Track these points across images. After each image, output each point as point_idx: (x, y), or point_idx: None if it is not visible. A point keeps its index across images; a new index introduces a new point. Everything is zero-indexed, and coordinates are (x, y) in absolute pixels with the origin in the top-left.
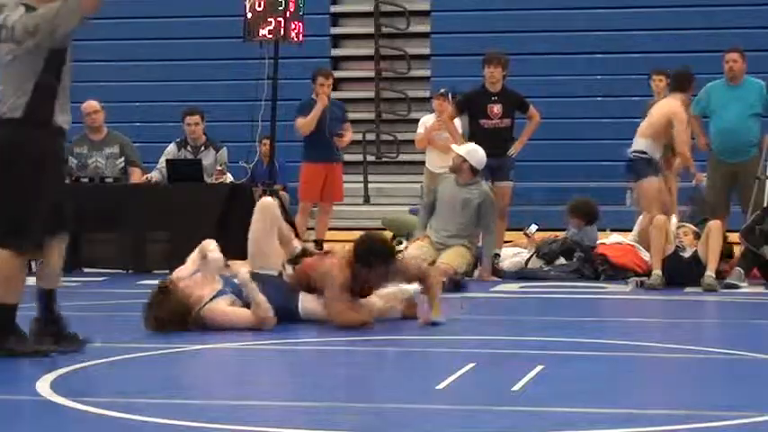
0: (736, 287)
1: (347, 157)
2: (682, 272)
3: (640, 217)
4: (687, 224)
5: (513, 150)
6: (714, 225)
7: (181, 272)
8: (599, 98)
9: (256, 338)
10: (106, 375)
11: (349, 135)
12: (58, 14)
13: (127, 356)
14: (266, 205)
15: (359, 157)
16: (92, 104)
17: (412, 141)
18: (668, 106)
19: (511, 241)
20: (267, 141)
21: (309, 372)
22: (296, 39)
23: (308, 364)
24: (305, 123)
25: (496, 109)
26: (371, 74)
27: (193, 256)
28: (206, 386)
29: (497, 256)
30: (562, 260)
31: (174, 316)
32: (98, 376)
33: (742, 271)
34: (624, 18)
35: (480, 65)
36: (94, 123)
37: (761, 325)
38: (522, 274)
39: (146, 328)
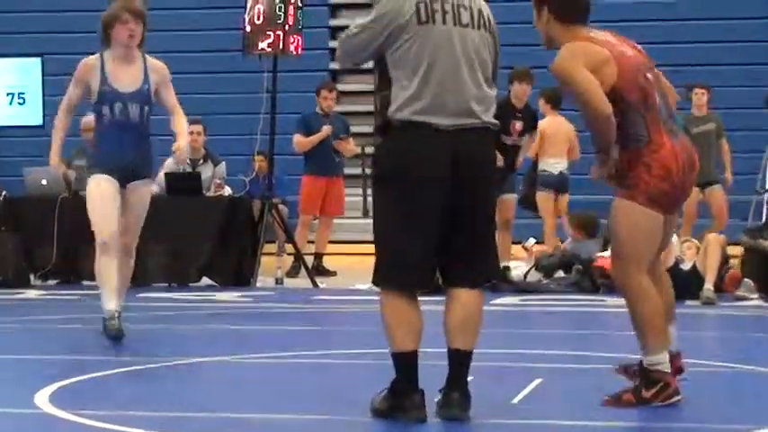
0: (747, 299)
1: (346, 171)
2: (681, 285)
3: None
4: (691, 239)
5: (519, 165)
6: (712, 238)
7: None
8: None
9: (255, 352)
10: (105, 388)
11: (352, 145)
12: None
13: (125, 369)
14: None
15: (358, 171)
16: (92, 121)
17: None
18: None
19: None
20: (261, 158)
21: (308, 383)
22: (295, 52)
23: (306, 376)
24: (303, 143)
25: (518, 125)
26: (371, 87)
27: None
28: (204, 399)
29: (507, 269)
30: (561, 273)
31: None
32: (97, 389)
33: (751, 282)
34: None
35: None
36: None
37: (759, 338)
38: (521, 287)
39: None
